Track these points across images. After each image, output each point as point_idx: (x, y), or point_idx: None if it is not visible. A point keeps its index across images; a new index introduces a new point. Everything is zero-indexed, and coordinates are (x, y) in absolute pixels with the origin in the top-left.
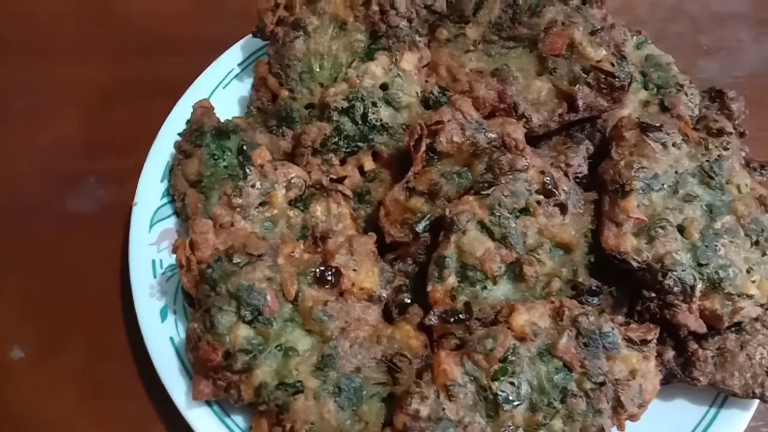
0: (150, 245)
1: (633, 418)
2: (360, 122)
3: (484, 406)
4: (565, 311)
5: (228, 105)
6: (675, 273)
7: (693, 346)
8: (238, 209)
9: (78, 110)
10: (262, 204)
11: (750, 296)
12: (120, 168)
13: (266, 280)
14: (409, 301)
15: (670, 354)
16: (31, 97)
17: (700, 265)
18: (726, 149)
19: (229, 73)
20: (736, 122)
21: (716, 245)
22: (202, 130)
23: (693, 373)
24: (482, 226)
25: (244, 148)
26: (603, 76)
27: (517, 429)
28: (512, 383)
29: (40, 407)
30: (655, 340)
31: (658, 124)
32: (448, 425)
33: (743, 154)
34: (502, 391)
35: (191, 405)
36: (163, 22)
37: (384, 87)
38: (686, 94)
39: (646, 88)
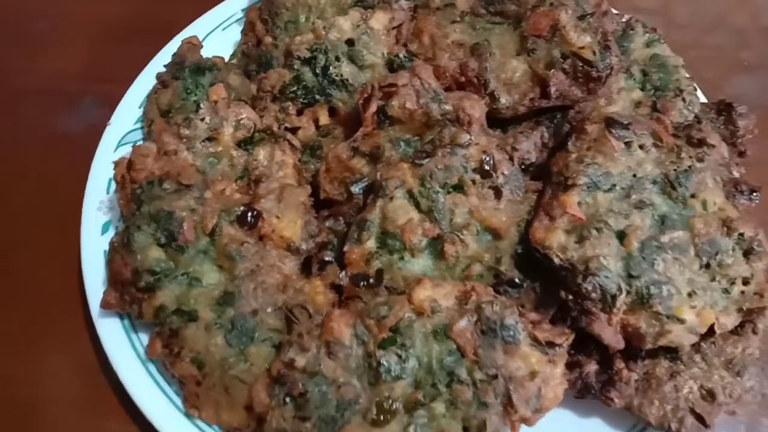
0: (112, 163)
1: (527, 421)
2: (320, 75)
3: (366, 372)
4: (473, 296)
5: (224, 46)
6: (597, 278)
7: (619, 365)
8: (184, 140)
9: (88, 40)
10: (209, 139)
11: (681, 321)
12: (119, 93)
13: (189, 210)
14: (330, 259)
15: (592, 368)
16: (47, 22)
17: (630, 276)
18: (700, 161)
19: (231, 16)
20: (739, 140)
21: (655, 259)
22: (183, 64)
23: (610, 392)
24: (410, 195)
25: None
26: (581, 64)
27: (394, 402)
28: (399, 355)
29: None
30: (565, 346)
31: (626, 122)
32: (322, 381)
33: (736, 174)
34: (386, 362)
35: (103, 314)
36: None
37: (350, 43)
38: (684, 100)
39: (643, 88)
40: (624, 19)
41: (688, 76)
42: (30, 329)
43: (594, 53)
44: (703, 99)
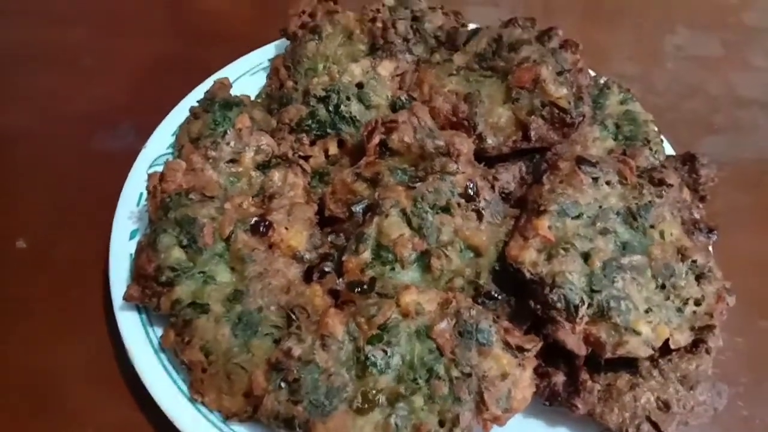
0: (143, 181)
1: (497, 421)
2: (332, 111)
3: (354, 365)
4: (453, 302)
5: (249, 89)
6: (562, 290)
7: (584, 376)
8: (210, 160)
9: (128, 74)
10: (232, 161)
11: (638, 333)
12: (153, 122)
13: (209, 218)
14: (329, 270)
15: (560, 378)
16: (97, 57)
17: (593, 291)
18: (659, 197)
19: (258, 65)
20: (701, 186)
21: (615, 277)
22: (214, 99)
23: (574, 399)
24: (403, 213)
25: None
26: (557, 112)
27: (377, 393)
28: (385, 351)
29: (29, 292)
30: (534, 351)
31: (594, 161)
32: (314, 369)
33: (696, 215)
34: (373, 356)
35: (124, 307)
36: (224, 18)
37: (360, 86)
38: (651, 149)
39: (615, 138)
40: (602, 80)
41: (656, 129)
42: (54, 312)
43: (569, 103)
44: (671, 151)
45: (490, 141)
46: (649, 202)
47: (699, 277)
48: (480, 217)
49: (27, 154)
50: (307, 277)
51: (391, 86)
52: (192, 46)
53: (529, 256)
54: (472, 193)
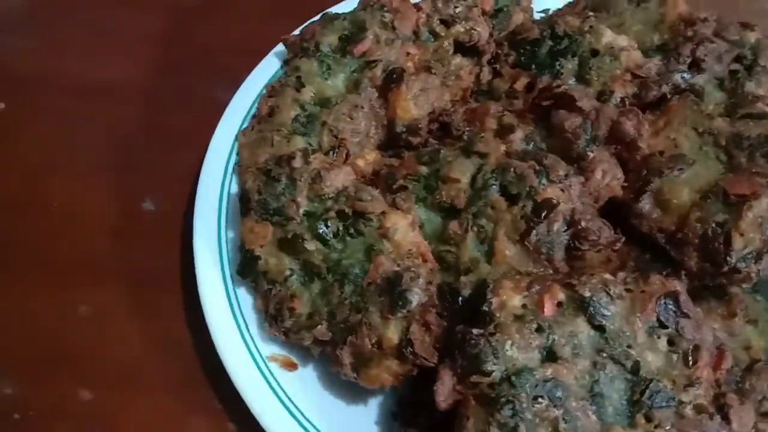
0: None
1: None
2: (552, 55)
3: None
4: None
5: None
6: None
7: None
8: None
9: (240, 18)
10: (443, 21)
11: None
12: None
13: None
14: None
15: None
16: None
17: None
18: None
19: None
20: None
21: None
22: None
23: None
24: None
25: None
26: None
27: None
28: None
29: (158, 263)
30: None
31: None
32: None
33: None
34: None
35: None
36: None
37: (594, 53)
38: None
39: None
40: None
41: None
42: (181, 288)
43: None
44: None
45: None
46: None
47: None
48: None
49: (145, 105)
50: None
51: (620, 77)
52: None
53: None
54: None
